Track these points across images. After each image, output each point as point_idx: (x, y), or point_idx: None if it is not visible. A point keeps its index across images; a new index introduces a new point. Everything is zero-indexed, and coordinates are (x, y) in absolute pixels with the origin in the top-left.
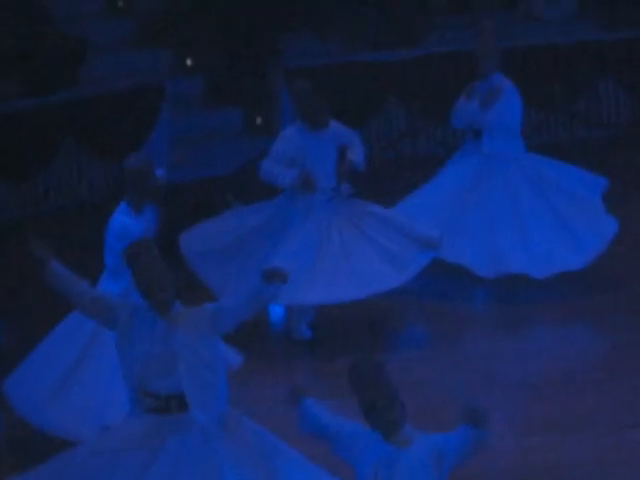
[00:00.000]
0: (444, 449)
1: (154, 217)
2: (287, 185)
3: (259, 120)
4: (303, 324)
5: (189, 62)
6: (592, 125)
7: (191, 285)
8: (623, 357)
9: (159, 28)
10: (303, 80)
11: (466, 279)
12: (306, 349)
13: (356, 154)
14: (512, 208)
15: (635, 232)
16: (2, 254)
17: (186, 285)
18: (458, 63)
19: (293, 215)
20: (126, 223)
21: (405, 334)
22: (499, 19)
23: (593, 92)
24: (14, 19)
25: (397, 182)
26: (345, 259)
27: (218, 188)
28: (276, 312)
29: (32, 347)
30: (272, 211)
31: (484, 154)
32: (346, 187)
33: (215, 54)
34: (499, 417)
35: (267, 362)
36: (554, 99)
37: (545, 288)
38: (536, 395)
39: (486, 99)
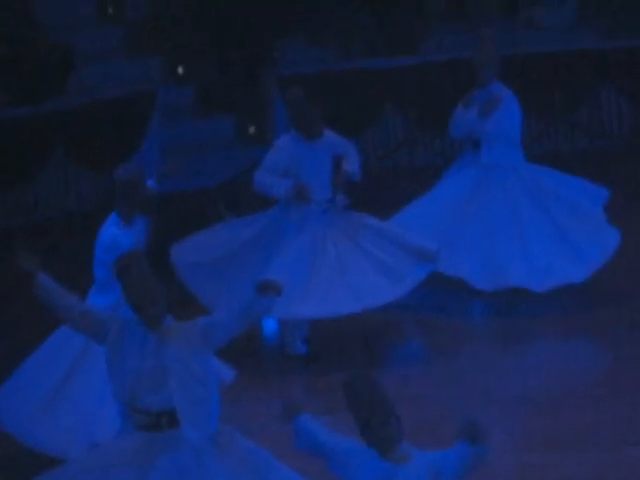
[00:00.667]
0: (442, 466)
1: (145, 229)
2: (281, 196)
3: (252, 129)
4: (297, 338)
5: (180, 70)
6: (593, 135)
7: (182, 298)
8: (625, 372)
9: (150, 36)
10: (297, 88)
11: (464, 292)
12: (300, 364)
13: (352, 164)
14: (511, 220)
15: (637, 244)
16: None
17: (177, 298)
18: (456, 71)
19: (287, 227)
20: (116, 235)
21: (401, 349)
22: (499, 26)
23: (594, 101)
24: (1, 25)
25: (394, 193)
26: (340, 272)
27: (210, 199)
28: (270, 326)
29: (20, 359)
30: (266, 223)
31: (483, 165)
32: (341, 198)
33: (207, 62)
34: (498, 433)
35: (261, 377)
36: (554, 108)
37: (545, 301)
38: (536, 410)
39: (485, 108)
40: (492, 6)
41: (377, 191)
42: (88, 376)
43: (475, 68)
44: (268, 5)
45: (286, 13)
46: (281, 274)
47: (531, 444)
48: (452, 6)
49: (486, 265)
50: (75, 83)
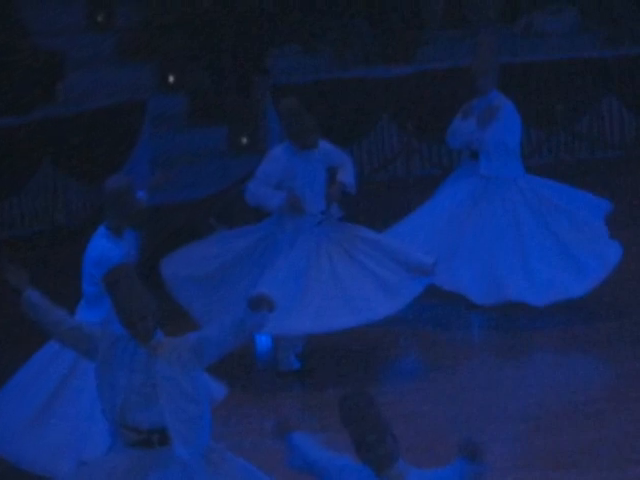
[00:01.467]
0: None
1: (135, 241)
2: (274, 208)
3: (245, 140)
4: (291, 354)
5: (171, 79)
6: (595, 145)
7: (173, 313)
8: (627, 387)
9: (140, 44)
10: (292, 97)
11: (462, 306)
12: (294, 380)
13: (347, 175)
14: (511, 232)
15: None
16: None
17: (168, 313)
18: (454, 80)
19: (280, 240)
20: (105, 248)
21: (398, 364)
22: (498, 33)
23: (596, 110)
24: None
25: (390, 204)
26: (335, 286)
27: (201, 211)
28: (263, 342)
29: (8, 375)
30: (258, 235)
31: (481, 176)
32: (336, 210)
33: (198, 70)
34: (497, 451)
35: (253, 394)
36: (555, 118)
37: (545, 315)
38: (536, 428)
39: (483, 118)
40: (491, 12)
41: (373, 202)
42: (77, 392)
43: (473, 75)
44: (261, 12)
45: (280, 20)
46: (274, 288)
47: (531, 462)
48: (450, 13)
49: (485, 279)
50: (64, 92)
